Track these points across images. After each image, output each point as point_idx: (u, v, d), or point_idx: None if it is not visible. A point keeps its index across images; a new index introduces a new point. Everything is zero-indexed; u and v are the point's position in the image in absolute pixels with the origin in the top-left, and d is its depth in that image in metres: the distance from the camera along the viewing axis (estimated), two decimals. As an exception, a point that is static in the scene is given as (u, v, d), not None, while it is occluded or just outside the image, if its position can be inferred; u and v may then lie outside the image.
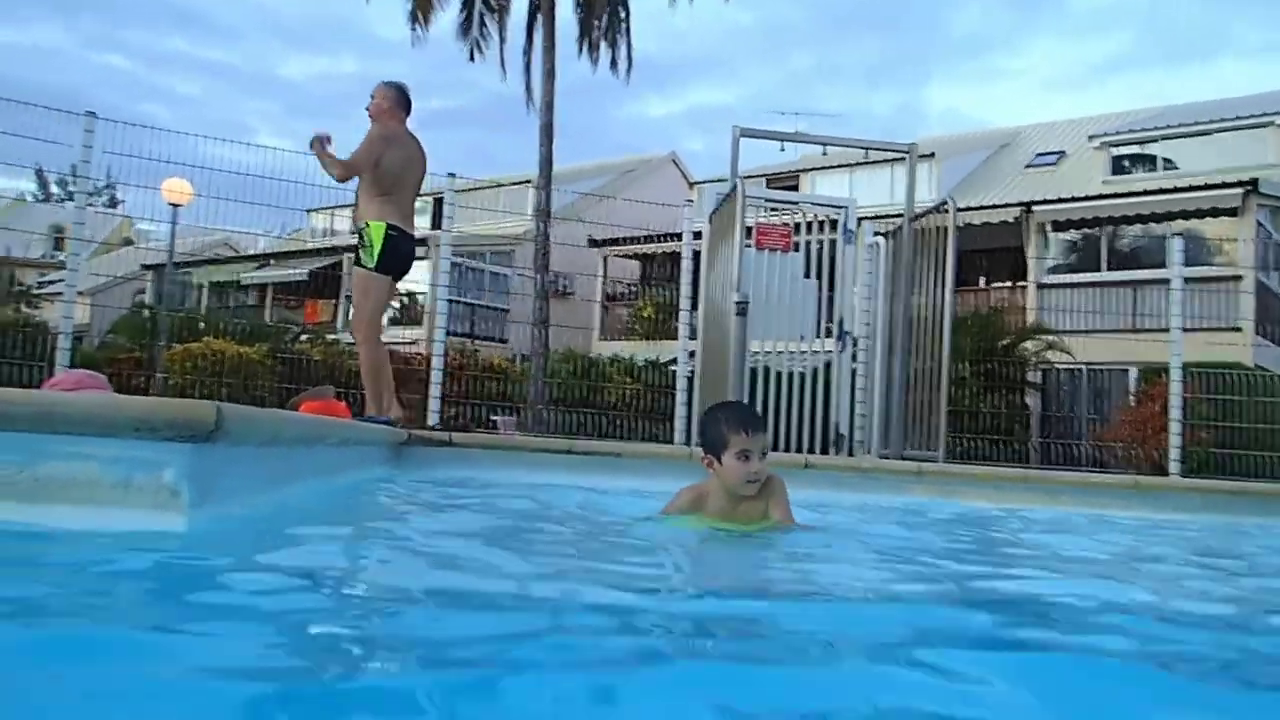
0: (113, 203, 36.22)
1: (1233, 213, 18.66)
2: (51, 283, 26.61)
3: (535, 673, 1.28)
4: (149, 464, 2.26)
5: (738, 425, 3.30)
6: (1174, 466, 9.57)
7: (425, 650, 1.39)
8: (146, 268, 26.94)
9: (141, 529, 2.18)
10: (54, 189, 48.45)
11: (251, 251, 28.67)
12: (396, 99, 6.25)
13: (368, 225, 5.90)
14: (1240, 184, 18.59)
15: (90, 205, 12.28)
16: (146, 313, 19.16)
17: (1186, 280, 12.56)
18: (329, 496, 3.66)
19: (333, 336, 21.75)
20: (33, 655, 1.25)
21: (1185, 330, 10.62)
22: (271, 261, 27.68)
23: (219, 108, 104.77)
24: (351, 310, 6.14)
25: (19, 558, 1.95)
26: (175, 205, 14.50)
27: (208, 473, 2.36)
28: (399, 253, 5.99)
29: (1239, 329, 16.14)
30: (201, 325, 17.66)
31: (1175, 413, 9.78)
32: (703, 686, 1.24)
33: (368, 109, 6.24)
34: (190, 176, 13.20)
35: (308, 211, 29.55)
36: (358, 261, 6.01)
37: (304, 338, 19.80)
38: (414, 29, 19.34)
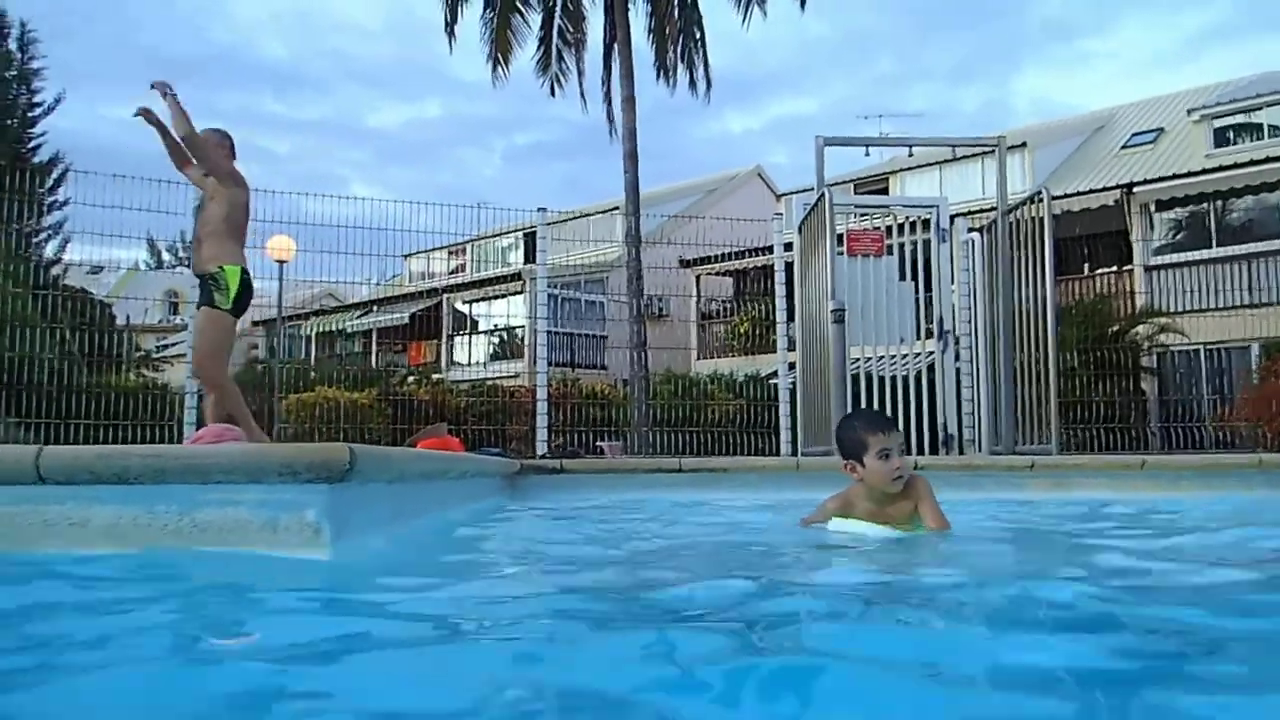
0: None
1: (1349, 174, 17.86)
2: (169, 345, 27.87)
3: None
4: (293, 505, 2.42)
5: (873, 427, 3.49)
6: (1305, 443, 9.19)
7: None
8: (257, 323, 28.02)
9: (289, 565, 2.34)
10: (165, 255, 50.83)
11: (354, 300, 29.59)
12: (226, 142, 6.17)
13: (222, 269, 5.84)
14: (1354, 142, 17.79)
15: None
16: (260, 367, 19.91)
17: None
18: (454, 526, 3.81)
19: (438, 376, 22.32)
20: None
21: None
22: (374, 308, 28.52)
23: (312, 162, 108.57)
24: (193, 352, 6.05)
25: (186, 592, 2.11)
26: (281, 262, 15.10)
27: (344, 510, 2.51)
28: (249, 296, 6.01)
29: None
30: (312, 375, 18.30)
31: (1304, 387, 9.41)
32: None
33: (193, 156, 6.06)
34: (293, 232, 13.77)
35: (404, 257, 30.46)
36: (208, 303, 5.88)
37: (410, 379, 20.35)
38: (495, 70, 19.80)
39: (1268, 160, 18.84)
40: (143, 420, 12.40)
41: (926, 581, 2.47)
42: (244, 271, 5.91)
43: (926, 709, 1.23)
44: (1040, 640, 1.66)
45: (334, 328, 28.32)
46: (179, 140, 5.92)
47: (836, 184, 19.42)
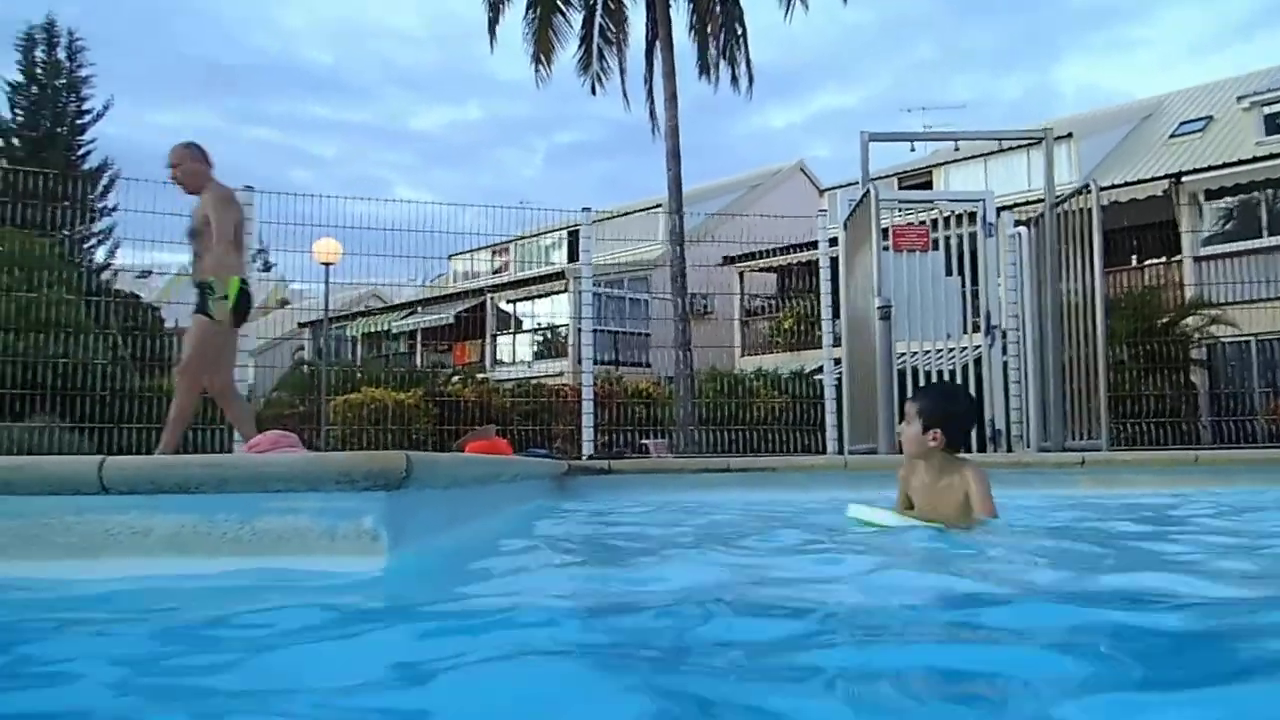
0: (266, 267, 38.28)
1: (1406, 159, 17.43)
2: (219, 349, 28.28)
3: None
4: (350, 512, 2.46)
5: (909, 398, 3.80)
6: (1363, 436, 9.01)
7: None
8: (303, 325, 28.40)
9: (348, 571, 2.38)
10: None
11: (398, 300, 29.87)
12: (203, 156, 6.17)
13: (218, 279, 5.88)
14: None
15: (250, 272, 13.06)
16: (307, 369, 20.17)
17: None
18: (508, 528, 3.85)
19: (482, 375, 22.49)
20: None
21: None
22: (419, 309, 28.77)
23: (356, 165, 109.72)
24: (183, 356, 6.02)
25: (243, 600, 2.16)
26: (327, 264, 15.28)
27: (401, 516, 2.55)
28: (247, 306, 6.05)
29: None
30: (359, 375, 18.51)
31: (1361, 380, 9.22)
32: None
33: (174, 175, 6.14)
34: (338, 235, 13.93)
35: (448, 258, 30.68)
36: (203, 310, 5.91)
37: (455, 379, 20.52)
38: (537, 70, 19.89)
39: (1322, 146, 18.45)
40: (193, 424, 12.59)
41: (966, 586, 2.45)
42: (243, 282, 5.96)
43: None
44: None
45: (379, 328, 28.61)
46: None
47: (880, 178, 19.26)
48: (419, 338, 29.25)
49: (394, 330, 28.96)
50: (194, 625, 1.91)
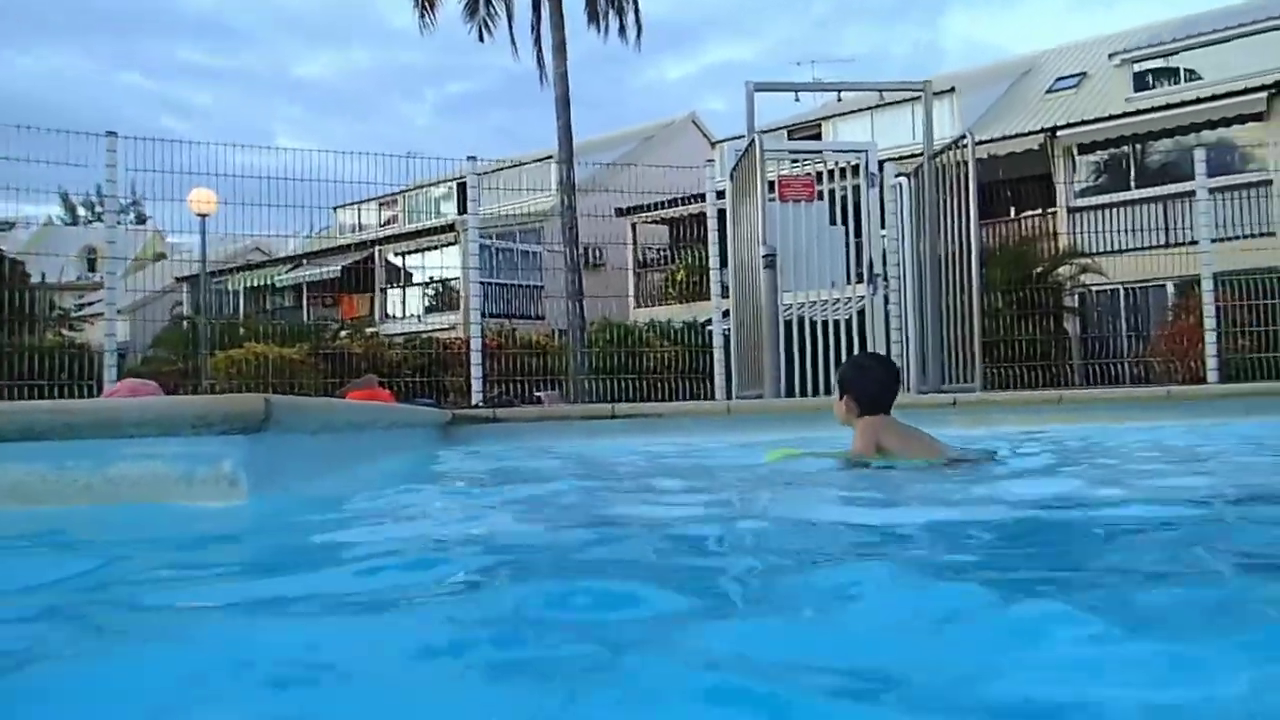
0: (140, 219, 36.75)
1: (1259, 117, 18.34)
2: (89, 304, 27.15)
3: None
4: (209, 457, 2.40)
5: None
6: (1211, 375, 9.56)
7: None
8: (180, 279, 27.38)
9: (207, 516, 2.33)
10: (80, 211, 49.25)
11: (283, 254, 29.03)
12: None
13: None
14: (1264, 88, 18.24)
15: (119, 223, 12.53)
16: (186, 324, 19.51)
17: (1218, 189, 12.43)
18: (384, 476, 3.80)
19: (371, 329, 22.06)
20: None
21: (1219, 240, 10.53)
22: (304, 261, 28.01)
23: (238, 114, 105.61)
24: None
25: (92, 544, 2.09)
26: (202, 215, 14.74)
27: (263, 461, 2.50)
28: None
29: (1273, 233, 15.90)
30: (241, 331, 17.97)
31: (1210, 323, 9.77)
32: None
33: None
34: (214, 185, 13.41)
35: (334, 209, 29.89)
36: None
37: (343, 333, 20.09)
38: (421, 15, 19.40)
39: (1184, 104, 19.27)
40: (61, 380, 12.08)
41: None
42: None
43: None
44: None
45: (262, 282, 27.79)
46: None
47: (769, 131, 19.38)
48: (305, 292, 28.51)
49: (278, 284, 28.17)
50: (33, 567, 1.85)
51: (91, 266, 25.25)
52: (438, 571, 1.75)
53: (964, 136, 9.27)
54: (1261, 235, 15.89)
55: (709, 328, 12.30)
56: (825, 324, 9.38)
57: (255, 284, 28.19)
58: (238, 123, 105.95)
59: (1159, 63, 22.71)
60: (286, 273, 28.05)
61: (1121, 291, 18.33)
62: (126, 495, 2.39)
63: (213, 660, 1.12)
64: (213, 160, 19.55)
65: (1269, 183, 17.21)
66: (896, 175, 10.49)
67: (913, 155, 15.86)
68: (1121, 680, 0.99)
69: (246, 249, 29.55)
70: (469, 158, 10.23)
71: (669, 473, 4.15)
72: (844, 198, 9.60)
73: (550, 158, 23.29)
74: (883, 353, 9.63)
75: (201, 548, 2.07)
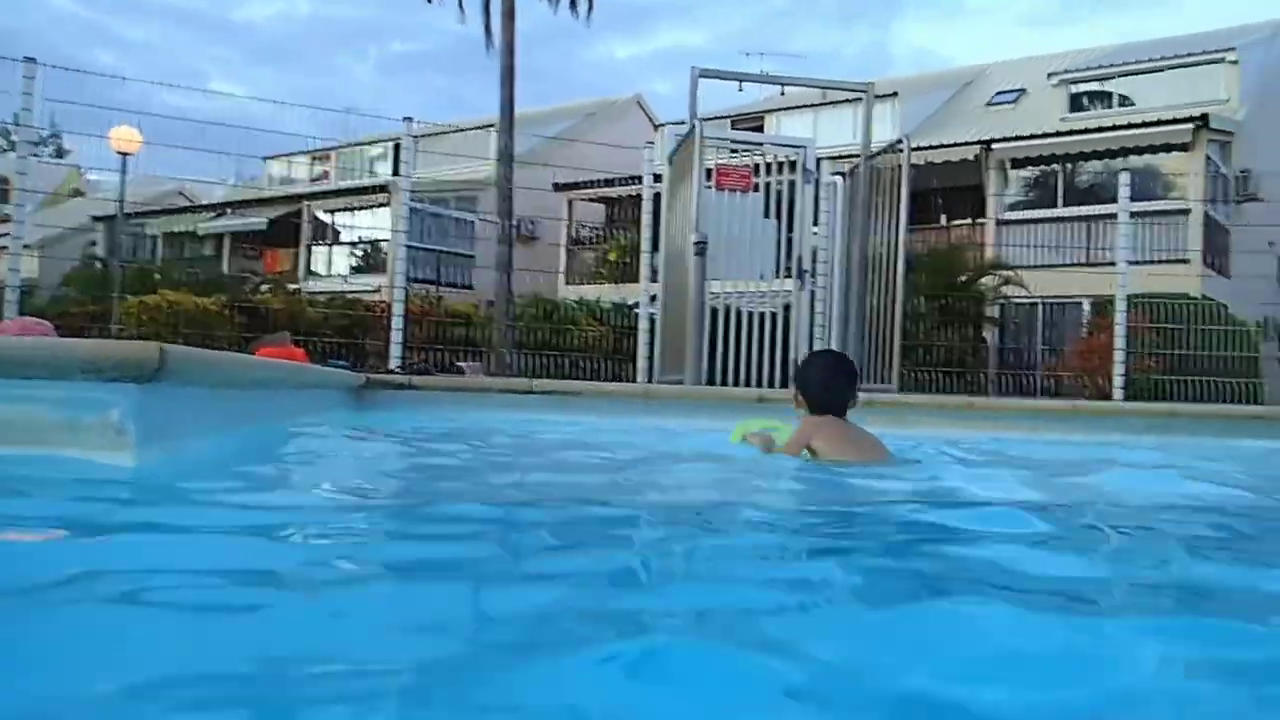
0: (59, 153, 35.46)
1: (1184, 148, 18.88)
2: (-4, 237, 26.14)
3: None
4: (96, 404, 2.30)
5: None
6: (1118, 393, 9.83)
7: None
8: (97, 219, 26.49)
9: (91, 465, 2.24)
10: (-5, 139, 47.29)
11: (207, 201, 28.26)
12: None
13: None
14: (1191, 119, 18.79)
15: (34, 155, 12.05)
16: (99, 265, 18.91)
17: (1139, 214, 12.77)
18: (285, 438, 3.71)
19: (294, 286, 21.60)
20: None
21: (1136, 263, 10.82)
22: (229, 210, 27.30)
23: (172, 53, 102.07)
24: None
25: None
26: (124, 154, 14.26)
27: (156, 413, 2.41)
28: None
29: (1187, 260, 16.42)
30: (157, 277, 17.49)
31: (1120, 341, 10.05)
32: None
33: None
34: (140, 124, 12.99)
35: (264, 159, 29.15)
36: None
37: (264, 287, 19.66)
38: (367, -31, 18.92)
39: (1115, 128, 19.76)
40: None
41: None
42: None
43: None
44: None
45: (184, 229, 27.02)
46: None
47: (712, 119, 19.35)
48: (227, 242, 27.78)
49: (200, 232, 27.41)
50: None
51: (2, 198, 24.27)
52: (310, 531, 1.71)
53: (900, 140, 9.38)
54: (1176, 261, 16.40)
55: (637, 310, 12.30)
56: (751, 315, 9.42)
57: (176, 230, 27.41)
58: (171, 62, 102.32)
59: (1094, 85, 23.25)
60: (210, 221, 27.31)
61: (1041, 305, 18.77)
62: (7, 439, 2.29)
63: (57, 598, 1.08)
64: (140, 98, 18.89)
65: (1187, 212, 17.76)
66: (833, 174, 10.57)
67: (852, 155, 15.95)
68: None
69: (170, 193, 28.71)
70: (405, 119, 10.03)
71: (556, 449, 4.16)
72: (780, 192, 9.63)
73: (491, 126, 23.00)
74: (805, 348, 9.75)
75: (78, 497, 1.98)
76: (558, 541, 1.87)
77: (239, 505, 2.07)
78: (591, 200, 25.24)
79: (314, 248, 27.71)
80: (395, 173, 25.89)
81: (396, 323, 9.49)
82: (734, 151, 10.02)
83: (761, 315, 9.48)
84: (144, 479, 2.23)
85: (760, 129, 24.89)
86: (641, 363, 10.35)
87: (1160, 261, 16.03)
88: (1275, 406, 12.13)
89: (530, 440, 4.64)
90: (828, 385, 3.89)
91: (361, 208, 26.94)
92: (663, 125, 26.90)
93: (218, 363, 2.94)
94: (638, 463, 3.66)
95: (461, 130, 26.57)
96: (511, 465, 3.57)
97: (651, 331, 10.29)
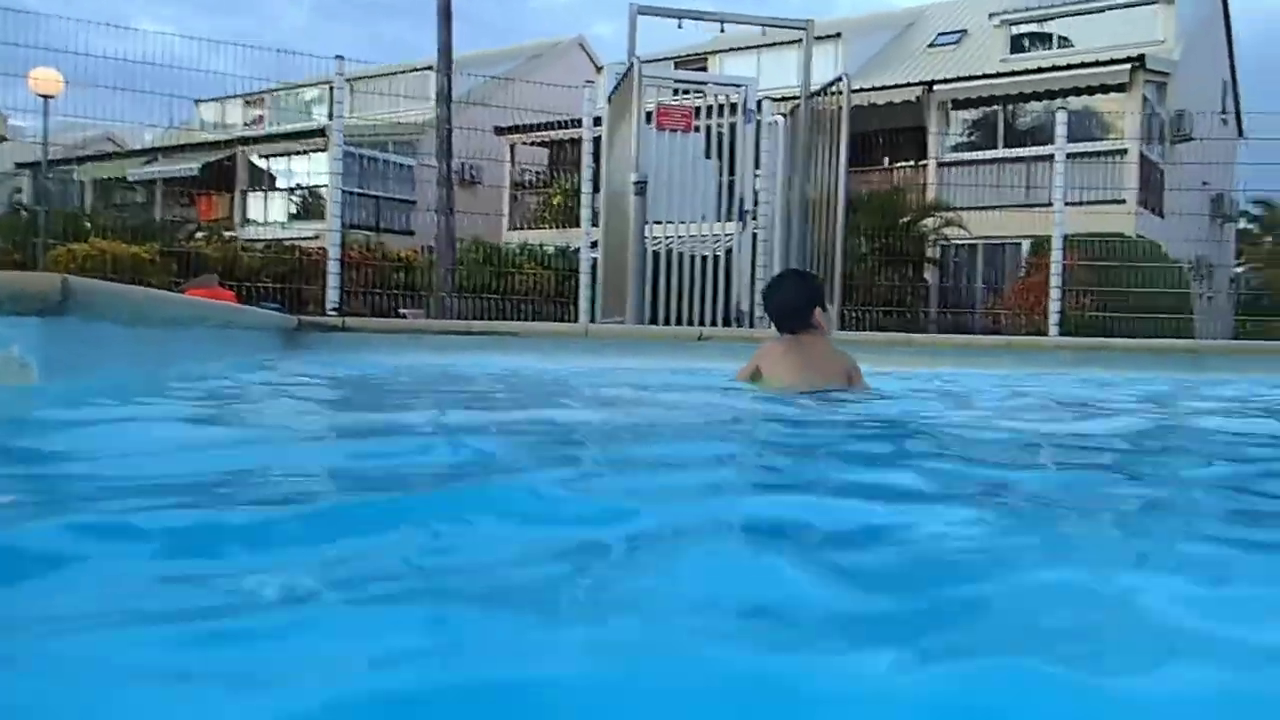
0: (-18, 97, 34.10)
1: (1121, 88, 19.08)
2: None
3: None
4: (-4, 338, 2.22)
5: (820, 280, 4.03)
6: (1052, 330, 10.00)
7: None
8: (21, 165, 25.59)
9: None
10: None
11: (137, 146, 27.41)
12: None
13: None
14: (1129, 60, 18.96)
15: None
16: (24, 213, 18.31)
17: (1076, 155, 12.91)
18: (206, 377, 3.62)
19: (230, 233, 21.10)
20: None
21: (1073, 203, 10.95)
22: (160, 156, 26.53)
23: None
24: None
25: None
26: (45, 96, 13.73)
27: (61, 347, 2.33)
28: None
29: (1123, 200, 16.66)
30: (87, 225, 16.98)
31: (1055, 280, 10.20)
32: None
33: None
34: (62, 65, 12.51)
35: (196, 102, 28.27)
36: None
37: (199, 235, 19.19)
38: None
39: (1055, 69, 19.88)
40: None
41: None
42: None
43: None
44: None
45: (113, 175, 26.21)
46: None
47: (654, 60, 19.11)
48: (159, 188, 27.02)
49: (131, 178, 26.62)
50: None
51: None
52: (216, 471, 1.66)
53: (840, 79, 9.33)
54: (1112, 202, 16.64)
55: (581, 255, 12.21)
56: (693, 257, 9.39)
57: (105, 176, 26.58)
58: (92, 2, 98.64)
59: (1034, 27, 23.32)
60: (140, 166, 26.52)
61: (981, 246, 18.96)
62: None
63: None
64: (62, 37, 18.18)
65: (1124, 152, 17.99)
66: (774, 114, 10.50)
67: (795, 97, 15.95)
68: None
69: (98, 138, 27.80)
70: (336, 57, 9.77)
71: (481, 385, 4.14)
72: (721, 134, 9.57)
73: (430, 68, 22.53)
74: (746, 288, 9.75)
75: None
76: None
77: (138, 440, 2.00)
78: (534, 144, 24.89)
79: (250, 194, 27.10)
80: (333, 116, 25.34)
81: (333, 267, 9.34)
82: (675, 91, 9.91)
83: (704, 258, 9.46)
84: (44, 412, 2.16)
85: (704, 70, 24.67)
86: (584, 304, 10.29)
87: (1097, 202, 16.26)
88: (1204, 341, 12.44)
89: (424, 374, 4.60)
90: (775, 305, 3.88)
91: (299, 152, 26.34)
92: (604, 66, 26.56)
93: (127, 296, 2.84)
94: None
95: (400, 73, 26.02)
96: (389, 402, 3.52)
97: (593, 274, 10.22)
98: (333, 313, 8.55)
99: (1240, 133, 22.41)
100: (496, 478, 1.68)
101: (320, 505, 1.41)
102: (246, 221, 25.75)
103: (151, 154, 26.62)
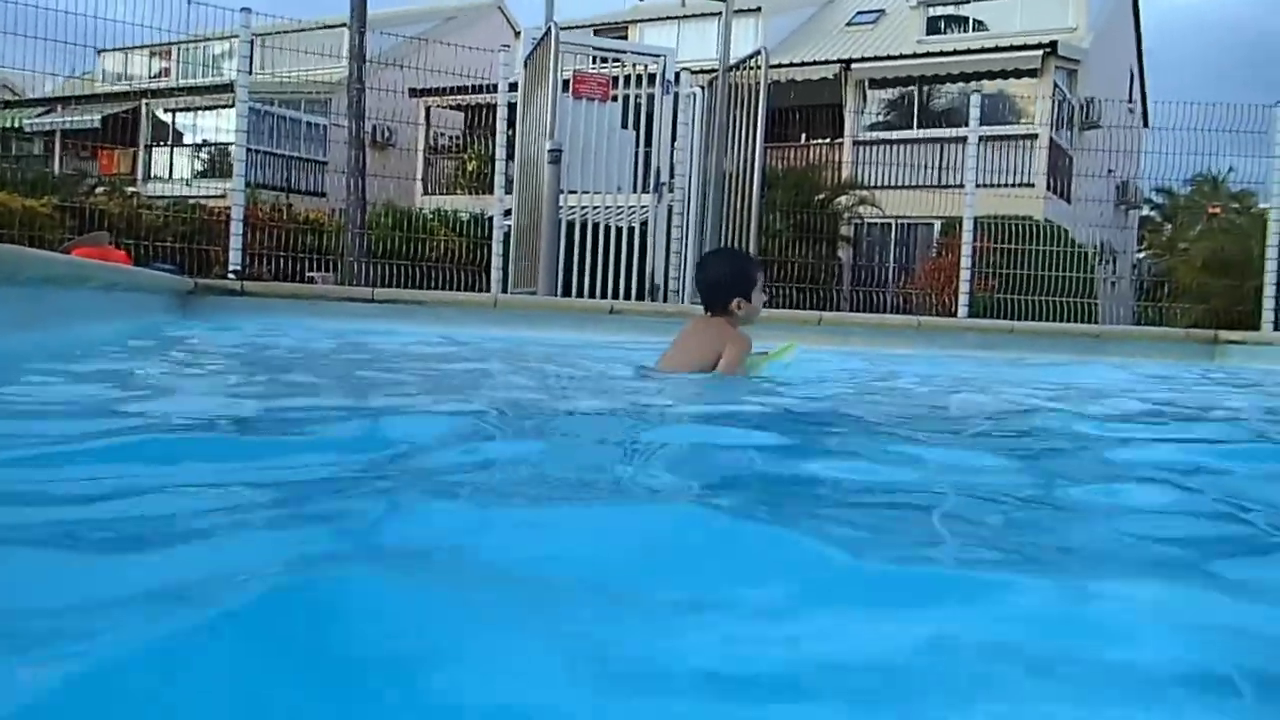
0: None
1: (1034, 74, 19.50)
2: None
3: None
4: None
5: (759, 265, 3.83)
6: (962, 311, 10.19)
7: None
8: (-92, 113, 24.33)
9: None
10: None
11: (35, 95, 26.23)
12: None
13: None
14: (1040, 46, 19.37)
15: None
16: (-89, 161, 17.41)
17: (988, 139, 13.13)
18: (87, 341, 3.46)
19: (133, 189, 20.35)
20: None
21: (983, 186, 11.14)
22: (59, 107, 25.42)
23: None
24: None
25: None
26: (-67, 38, 12.99)
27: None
28: None
29: (1033, 185, 17.05)
30: (-21, 176, 16.21)
31: (966, 261, 10.38)
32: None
33: None
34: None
35: (99, 52, 27.10)
36: None
37: (99, 190, 18.46)
38: None
39: (969, 51, 20.22)
40: None
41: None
42: None
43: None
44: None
45: (8, 124, 25.07)
46: None
47: (577, 27, 18.90)
48: (58, 140, 25.92)
49: (28, 129, 25.49)
50: None
51: None
52: (81, 433, 1.57)
53: (758, 52, 9.32)
54: (1021, 185, 17.01)
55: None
56: (608, 228, 9.33)
57: (0, 126, 25.41)
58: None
59: (951, 10, 23.65)
60: (38, 116, 25.40)
61: (894, 225, 19.25)
62: None
63: None
64: (-51, -23, 17.25)
65: (1035, 137, 18.40)
66: (692, 86, 10.45)
67: (713, 70, 15.95)
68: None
69: (-10, 86, 26.56)
70: (242, 9, 9.42)
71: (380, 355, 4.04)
72: (639, 104, 9.50)
73: (343, 25, 21.95)
74: (661, 262, 9.72)
75: None
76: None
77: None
78: (450, 108, 24.46)
79: (154, 150, 26.16)
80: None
81: (235, 228, 9.04)
82: (593, 60, 9.79)
83: (619, 229, 9.40)
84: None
85: (624, 40, 24.49)
86: (495, 274, 10.16)
87: (1007, 185, 16.60)
88: (1106, 325, 12.83)
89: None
90: (696, 279, 3.82)
91: (206, 108, 25.50)
92: (522, 31, 26.20)
93: (3, 255, 2.69)
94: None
95: (313, 29, 25.28)
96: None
97: (506, 243, 10.09)
98: (233, 275, 8.29)
99: (1145, 122, 23.09)
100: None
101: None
102: (152, 179, 24.86)
103: (50, 104, 25.54)
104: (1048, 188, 18.28)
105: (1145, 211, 26.81)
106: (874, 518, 1.36)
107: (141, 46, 27.32)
